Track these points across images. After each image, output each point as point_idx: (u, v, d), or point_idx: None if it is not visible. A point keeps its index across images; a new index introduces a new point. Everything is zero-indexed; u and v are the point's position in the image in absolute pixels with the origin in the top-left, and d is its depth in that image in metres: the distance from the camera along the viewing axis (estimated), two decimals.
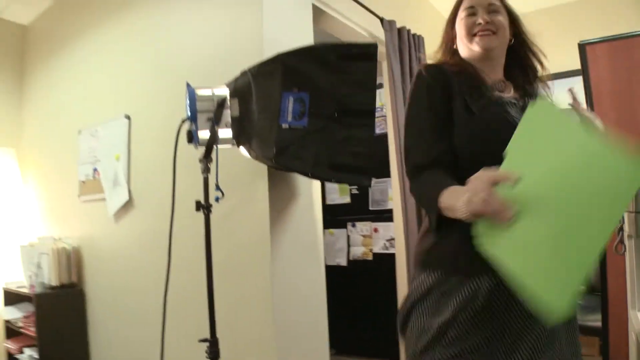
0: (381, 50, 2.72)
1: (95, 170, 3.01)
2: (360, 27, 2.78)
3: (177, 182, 1.72)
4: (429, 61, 1.40)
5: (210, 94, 1.67)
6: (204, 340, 1.63)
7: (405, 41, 2.89)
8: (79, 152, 3.17)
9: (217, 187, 1.62)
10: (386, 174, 3.16)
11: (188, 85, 1.70)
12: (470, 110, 1.17)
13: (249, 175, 2.03)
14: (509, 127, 1.05)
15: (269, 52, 1.86)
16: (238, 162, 1.97)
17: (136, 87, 2.80)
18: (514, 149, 0.99)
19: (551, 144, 0.99)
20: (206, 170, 1.65)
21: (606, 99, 2.37)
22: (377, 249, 3.64)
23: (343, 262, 3.82)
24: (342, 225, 3.86)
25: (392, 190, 3.17)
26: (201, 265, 1.65)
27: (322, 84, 1.58)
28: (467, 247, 1.02)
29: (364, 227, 3.74)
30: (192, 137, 1.66)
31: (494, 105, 1.20)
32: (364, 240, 3.73)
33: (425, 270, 1.19)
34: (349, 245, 3.82)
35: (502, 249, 0.95)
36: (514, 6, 1.34)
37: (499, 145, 1.02)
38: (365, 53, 1.57)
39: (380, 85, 3.33)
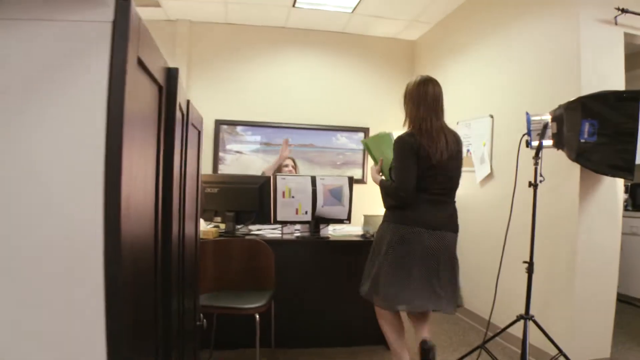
0: None
1: (468, 150, 4.94)
2: None
3: (519, 168, 3.40)
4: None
5: (539, 119, 3.27)
6: (526, 262, 3.29)
7: None
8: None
9: (540, 174, 3.22)
10: None
11: (527, 113, 3.33)
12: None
13: (566, 166, 3.52)
14: None
15: (586, 77, 3.35)
16: (559, 155, 3.50)
17: (497, 93, 4.56)
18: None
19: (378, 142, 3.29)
20: (536, 163, 3.26)
21: None
22: None
23: None
24: None
25: None
26: (529, 220, 3.30)
27: (606, 115, 2.99)
28: None
29: None
30: (528, 144, 3.30)
31: None
32: None
33: None
34: None
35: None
36: None
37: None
38: (634, 97, 2.90)
39: None
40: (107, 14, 0.89)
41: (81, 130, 0.91)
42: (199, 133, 2.34)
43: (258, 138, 6.32)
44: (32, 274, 0.91)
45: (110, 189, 0.91)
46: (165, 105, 1.31)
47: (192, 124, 2.00)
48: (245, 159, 6.31)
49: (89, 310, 0.93)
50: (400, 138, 2.98)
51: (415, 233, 2.92)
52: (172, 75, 1.34)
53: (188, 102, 1.83)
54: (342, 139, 6.44)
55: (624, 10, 3.47)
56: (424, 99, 3.00)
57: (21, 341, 0.92)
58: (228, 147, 6.29)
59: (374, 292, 3.03)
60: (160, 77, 1.23)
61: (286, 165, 5.07)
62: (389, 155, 3.14)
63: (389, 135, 3.29)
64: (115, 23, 0.88)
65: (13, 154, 0.89)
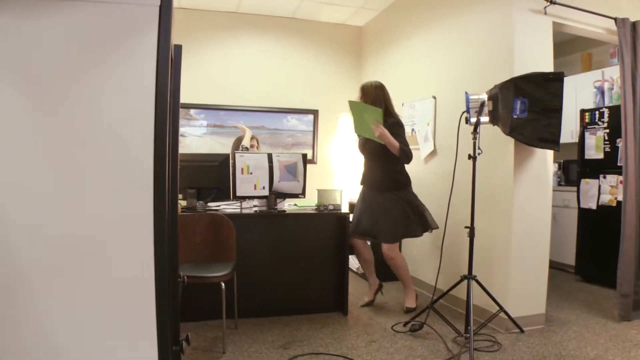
0: (615, 42, 4.24)
1: (413, 130, 5.35)
2: (597, 27, 4.28)
3: (460, 144, 3.81)
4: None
5: (477, 98, 3.68)
6: (467, 227, 3.71)
7: None
8: (403, 117, 5.55)
9: (479, 147, 3.63)
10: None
11: (466, 92, 3.74)
12: None
13: (502, 141, 3.97)
14: None
15: (519, 61, 3.78)
16: (495, 131, 3.94)
17: (439, 76, 5.00)
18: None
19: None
20: (474, 138, 3.67)
21: None
22: (621, 197, 4.99)
23: (593, 206, 5.38)
24: (596, 176, 5.39)
25: (621, 151, 4.51)
26: (469, 190, 3.71)
27: (535, 94, 3.44)
28: None
29: (612, 179, 5.19)
30: (467, 121, 3.71)
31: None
32: (611, 189, 5.18)
33: None
34: (599, 193, 5.34)
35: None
36: None
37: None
38: (558, 77, 3.36)
39: None
40: None
41: (135, 106, 1.18)
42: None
43: (210, 121, 6.54)
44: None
45: (159, 144, 1.19)
46: (173, 77, 1.58)
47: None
48: (198, 140, 6.51)
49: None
50: (400, 121, 4.38)
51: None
52: (178, 51, 1.61)
53: None
54: (292, 121, 6.76)
55: (552, 2, 3.93)
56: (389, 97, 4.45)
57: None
58: (182, 130, 6.47)
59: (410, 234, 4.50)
60: (173, 52, 1.50)
61: (252, 145, 5.47)
62: (368, 124, 4.11)
63: (380, 111, 4.10)
64: (161, 7, 1.15)
65: (85, 106, 1.16)
